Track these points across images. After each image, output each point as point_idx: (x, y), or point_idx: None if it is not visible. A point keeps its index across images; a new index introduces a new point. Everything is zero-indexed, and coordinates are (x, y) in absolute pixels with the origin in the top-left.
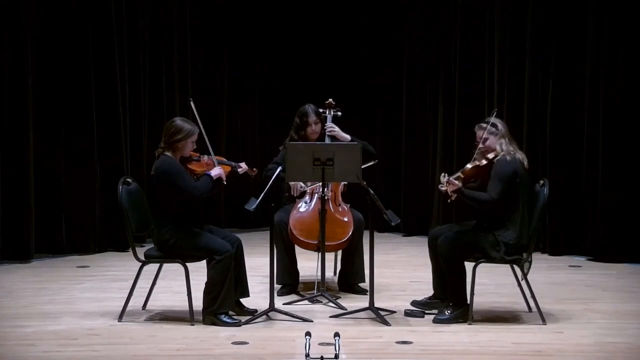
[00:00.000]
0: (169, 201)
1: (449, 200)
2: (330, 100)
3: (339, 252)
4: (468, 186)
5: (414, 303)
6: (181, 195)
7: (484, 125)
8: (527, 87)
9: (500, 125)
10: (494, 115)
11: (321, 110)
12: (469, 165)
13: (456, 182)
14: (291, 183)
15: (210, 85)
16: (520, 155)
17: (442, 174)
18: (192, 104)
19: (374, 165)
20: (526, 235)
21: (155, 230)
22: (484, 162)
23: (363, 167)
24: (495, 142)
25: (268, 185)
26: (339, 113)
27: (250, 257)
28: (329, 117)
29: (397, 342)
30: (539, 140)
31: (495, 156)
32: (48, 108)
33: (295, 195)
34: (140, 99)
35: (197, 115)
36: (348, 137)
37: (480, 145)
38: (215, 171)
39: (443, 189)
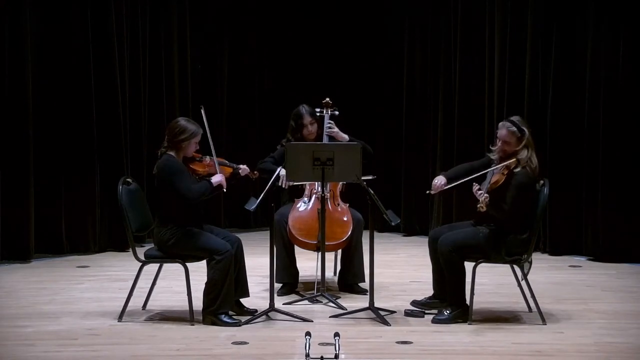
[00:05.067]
0: (170, 201)
1: (429, 192)
2: (327, 99)
3: (339, 252)
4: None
5: (414, 303)
6: (177, 196)
7: (513, 128)
8: (527, 87)
9: (527, 132)
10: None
11: (318, 109)
12: (499, 179)
13: (488, 195)
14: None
15: (210, 85)
16: (536, 163)
17: (479, 192)
18: (202, 112)
19: (374, 165)
20: (527, 236)
21: (155, 230)
22: (506, 171)
23: (363, 179)
24: (518, 148)
25: (268, 185)
26: (337, 112)
27: (250, 257)
28: (327, 117)
29: (397, 342)
30: (539, 140)
31: (516, 166)
32: (48, 108)
33: (284, 187)
34: (140, 99)
35: (206, 123)
36: (346, 137)
37: (499, 145)
38: (216, 178)
39: (483, 210)
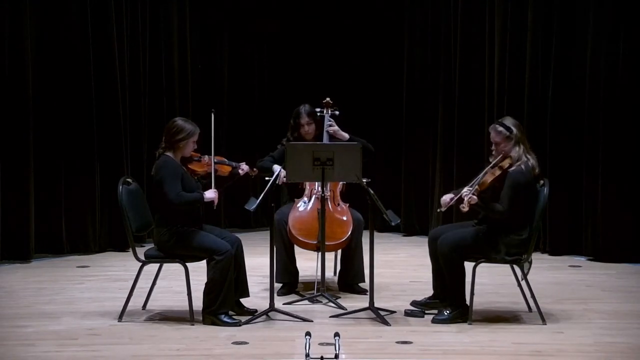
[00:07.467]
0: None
1: (439, 210)
2: (328, 99)
3: (339, 252)
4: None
5: (414, 303)
6: (163, 197)
7: (500, 128)
8: (527, 87)
9: (515, 130)
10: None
11: (318, 109)
12: (487, 179)
13: (475, 197)
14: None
15: (210, 85)
16: (533, 161)
17: (464, 192)
18: (212, 116)
19: (374, 165)
20: (527, 236)
21: (155, 230)
22: (499, 172)
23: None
24: (509, 148)
25: (268, 186)
26: (337, 112)
27: (250, 257)
28: (327, 116)
29: (397, 342)
30: (539, 140)
31: (510, 165)
32: (48, 108)
33: (279, 183)
34: (140, 99)
35: (212, 129)
36: (347, 135)
37: (493, 149)
38: (209, 194)
39: (465, 209)
